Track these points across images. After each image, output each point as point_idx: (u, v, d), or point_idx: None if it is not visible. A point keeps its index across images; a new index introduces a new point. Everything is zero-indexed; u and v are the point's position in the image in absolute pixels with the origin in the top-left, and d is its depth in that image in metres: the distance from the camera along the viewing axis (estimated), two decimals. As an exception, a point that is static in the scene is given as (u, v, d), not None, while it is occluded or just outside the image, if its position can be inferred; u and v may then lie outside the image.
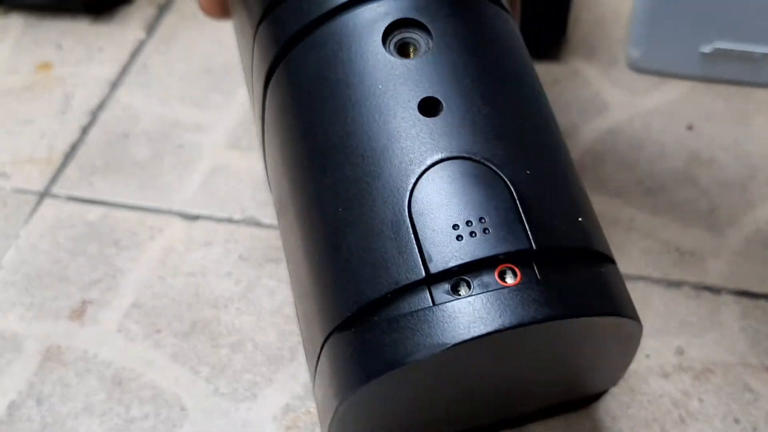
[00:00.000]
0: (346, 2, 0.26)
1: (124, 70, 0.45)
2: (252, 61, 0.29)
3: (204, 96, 0.43)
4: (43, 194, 0.39)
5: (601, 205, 0.37)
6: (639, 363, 0.32)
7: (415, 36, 0.26)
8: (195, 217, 0.38)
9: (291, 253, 0.26)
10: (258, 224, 0.37)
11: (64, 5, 0.47)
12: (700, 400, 0.31)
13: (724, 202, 0.37)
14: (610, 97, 0.41)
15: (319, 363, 0.24)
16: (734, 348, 0.32)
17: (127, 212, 0.38)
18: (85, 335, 0.34)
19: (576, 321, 0.22)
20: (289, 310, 0.34)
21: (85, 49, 0.46)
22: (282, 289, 0.35)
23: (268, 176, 0.30)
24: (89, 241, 0.37)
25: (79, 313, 0.35)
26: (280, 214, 0.28)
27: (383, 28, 0.25)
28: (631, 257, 0.35)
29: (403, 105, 0.24)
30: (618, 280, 0.24)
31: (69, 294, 0.35)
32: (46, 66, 0.45)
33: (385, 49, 0.25)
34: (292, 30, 0.26)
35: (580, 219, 0.24)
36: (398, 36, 0.26)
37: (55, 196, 0.39)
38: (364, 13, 0.26)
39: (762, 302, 0.33)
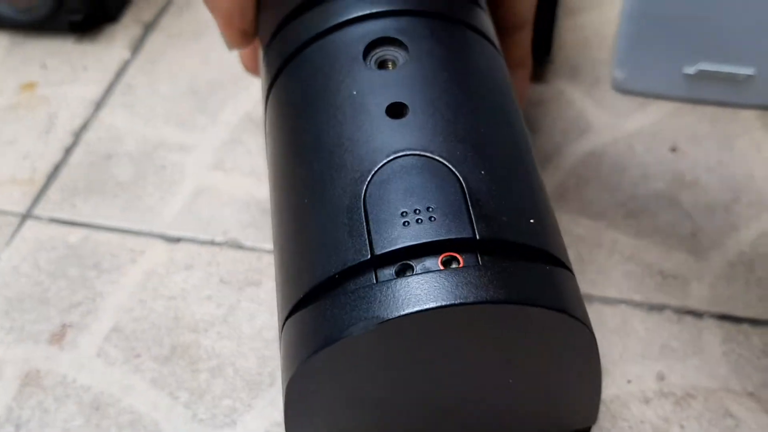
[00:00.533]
0: (338, 23, 0.28)
1: (109, 90, 0.45)
2: (262, 81, 0.31)
3: (188, 116, 0.43)
4: (25, 216, 0.39)
5: (583, 227, 0.36)
6: (620, 388, 0.31)
7: (396, 54, 0.27)
8: (177, 240, 0.37)
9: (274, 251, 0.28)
10: (240, 247, 0.37)
11: (50, 24, 0.47)
12: (681, 426, 0.30)
13: (708, 224, 0.37)
14: (594, 119, 0.41)
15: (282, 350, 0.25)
16: (716, 373, 0.32)
17: (109, 234, 0.38)
18: (64, 360, 0.34)
19: (517, 312, 0.23)
20: (269, 334, 0.34)
21: (70, 69, 0.46)
22: (262, 312, 0.34)
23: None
24: (70, 264, 0.37)
25: (59, 337, 0.34)
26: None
27: (365, 44, 0.27)
28: (613, 280, 0.35)
29: (372, 108, 0.26)
30: (569, 283, 0.24)
31: (49, 317, 0.35)
32: (30, 86, 0.45)
33: (366, 63, 0.27)
34: (292, 47, 0.29)
35: (531, 221, 0.24)
36: (380, 53, 0.27)
37: (37, 218, 0.39)
38: (352, 32, 0.28)
39: (745, 326, 0.33)
